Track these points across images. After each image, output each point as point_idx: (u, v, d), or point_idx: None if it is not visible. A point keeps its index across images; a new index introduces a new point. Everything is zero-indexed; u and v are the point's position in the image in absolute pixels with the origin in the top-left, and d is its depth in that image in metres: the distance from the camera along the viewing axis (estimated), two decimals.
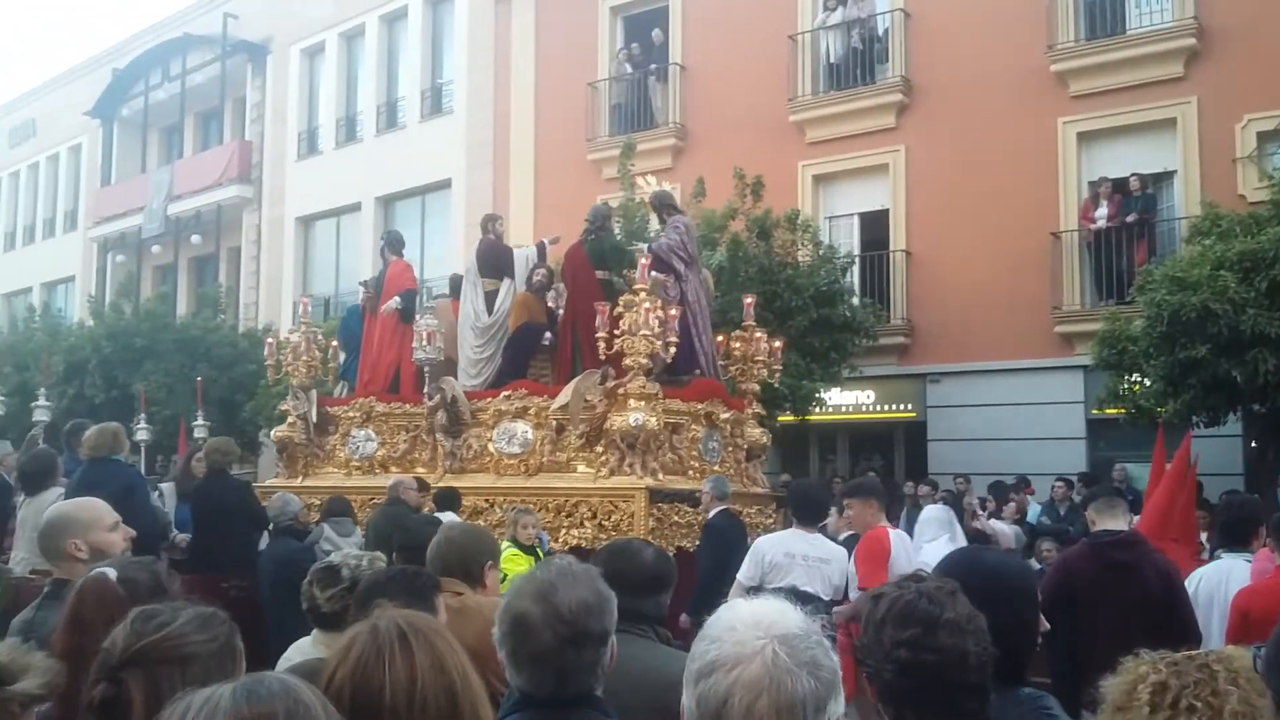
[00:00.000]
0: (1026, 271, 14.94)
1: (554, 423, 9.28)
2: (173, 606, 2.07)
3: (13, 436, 11.67)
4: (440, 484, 9.03)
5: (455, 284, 11.32)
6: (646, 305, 8.60)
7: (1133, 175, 14.61)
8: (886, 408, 16.31)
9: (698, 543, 8.11)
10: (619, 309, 8.80)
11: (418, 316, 10.53)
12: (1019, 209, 15.11)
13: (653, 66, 19.30)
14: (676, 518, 8.73)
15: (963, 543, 7.39)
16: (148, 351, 19.51)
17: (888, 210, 16.67)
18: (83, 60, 32.10)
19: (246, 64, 26.12)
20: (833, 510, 8.15)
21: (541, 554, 7.40)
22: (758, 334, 10.36)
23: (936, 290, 15.80)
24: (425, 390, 9.95)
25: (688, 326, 9.49)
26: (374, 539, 7.24)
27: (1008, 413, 14.81)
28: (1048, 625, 2.63)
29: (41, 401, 11.84)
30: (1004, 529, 10.62)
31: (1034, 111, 15.26)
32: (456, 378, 10.14)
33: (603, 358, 8.97)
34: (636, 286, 8.77)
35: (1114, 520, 5.12)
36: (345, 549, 6.08)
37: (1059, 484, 12.50)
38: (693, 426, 9.39)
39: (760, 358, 10.27)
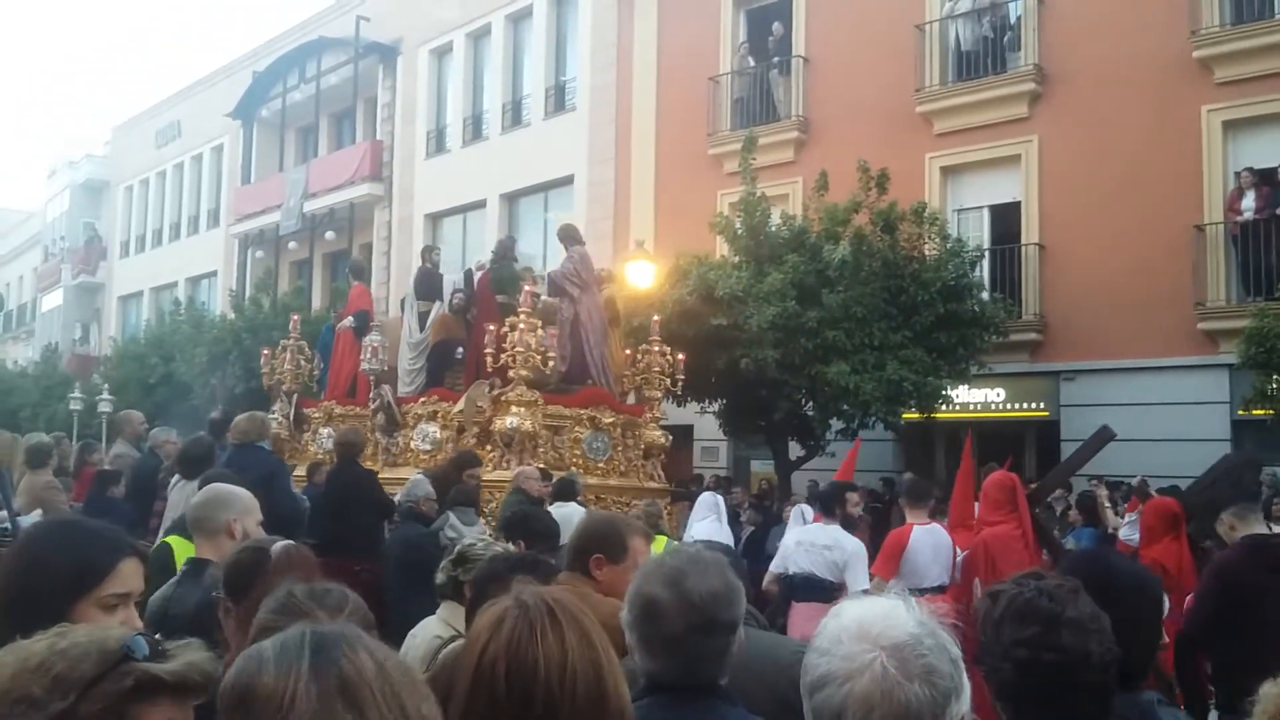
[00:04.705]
0: (1167, 266, 14.35)
1: (456, 424, 10.88)
2: (325, 586, 2.19)
3: (161, 422, 12.29)
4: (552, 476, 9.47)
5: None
6: (522, 326, 10.12)
7: None
8: (1017, 406, 15.87)
9: None
10: (505, 329, 10.28)
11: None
12: (1159, 201, 14.52)
13: (775, 59, 19.17)
14: None
15: (726, 524, 9.18)
16: None
17: (1019, 202, 16.22)
18: (224, 64, 33.53)
19: (378, 65, 26.88)
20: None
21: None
22: (656, 348, 11.57)
23: (1071, 285, 15.30)
24: (370, 396, 11.70)
25: (581, 343, 11.06)
26: (499, 526, 7.42)
27: (1147, 413, 14.23)
28: (1166, 640, 2.58)
29: (105, 396, 13.87)
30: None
31: (1176, 99, 14.63)
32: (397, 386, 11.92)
33: (489, 370, 10.53)
34: (520, 310, 10.25)
35: (1258, 524, 5.04)
36: (468, 538, 6.23)
37: None
38: (576, 428, 10.72)
39: (657, 369, 11.49)
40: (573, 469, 10.02)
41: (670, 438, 11.83)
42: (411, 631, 3.82)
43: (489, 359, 10.39)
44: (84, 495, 8.55)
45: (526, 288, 10.70)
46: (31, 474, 8.25)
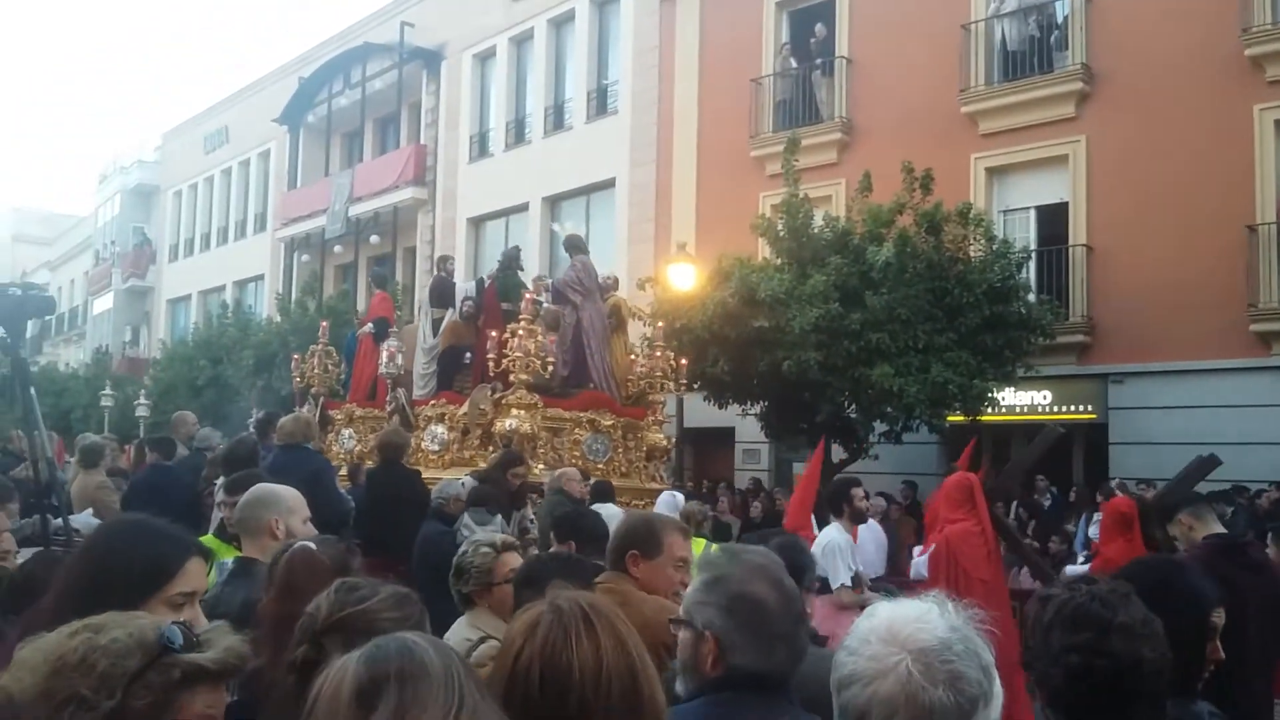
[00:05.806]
0: (1219, 267, 14.11)
1: (461, 426, 11.38)
2: (372, 583, 2.18)
3: (209, 424, 12.43)
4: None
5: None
6: (522, 332, 10.58)
7: None
8: (1064, 409, 15.64)
9: None
10: (506, 335, 10.74)
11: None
12: (1211, 201, 14.28)
13: (817, 60, 19.07)
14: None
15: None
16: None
17: (1067, 203, 16.01)
18: (271, 70, 33.94)
19: (422, 70, 27.08)
20: None
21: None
22: (658, 354, 12.04)
23: (1120, 286, 15.08)
24: (387, 399, 12.29)
25: (583, 348, 11.40)
26: (542, 527, 7.45)
27: (1197, 416, 13.99)
28: (1222, 655, 2.54)
29: (142, 400, 14.41)
30: None
31: (1227, 98, 14.38)
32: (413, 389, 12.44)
33: (492, 374, 11.05)
34: (521, 317, 10.71)
35: (1215, 524, 5.10)
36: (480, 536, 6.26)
37: (1271, 490, 12.01)
38: (575, 431, 11.05)
39: (659, 374, 11.91)
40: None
41: (673, 440, 12.20)
42: (445, 637, 3.84)
43: (491, 364, 10.93)
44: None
45: (527, 295, 11.21)
46: (84, 474, 8.39)
